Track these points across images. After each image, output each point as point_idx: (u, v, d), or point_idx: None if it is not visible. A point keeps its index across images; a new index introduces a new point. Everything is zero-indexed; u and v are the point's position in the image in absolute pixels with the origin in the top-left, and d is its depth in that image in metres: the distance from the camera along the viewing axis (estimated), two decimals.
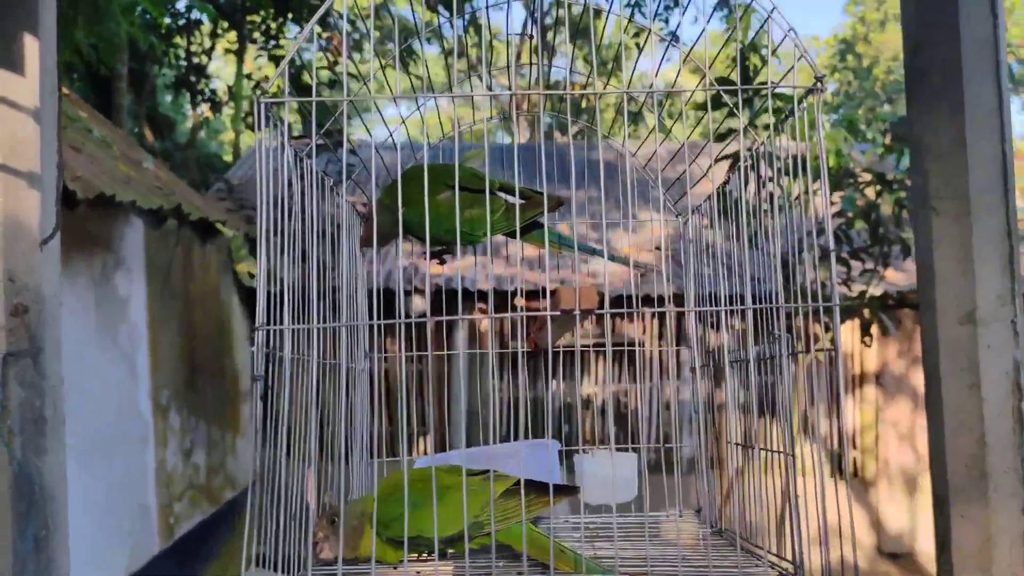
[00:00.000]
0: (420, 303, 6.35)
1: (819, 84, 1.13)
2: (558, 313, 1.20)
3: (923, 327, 1.55)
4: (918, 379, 7.74)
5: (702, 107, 3.84)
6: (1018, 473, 1.43)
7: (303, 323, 1.24)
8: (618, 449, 1.55)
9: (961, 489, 1.47)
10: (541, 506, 1.28)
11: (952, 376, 1.48)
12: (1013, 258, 1.44)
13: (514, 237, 1.42)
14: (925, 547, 7.53)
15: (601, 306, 1.19)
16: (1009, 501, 1.43)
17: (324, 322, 1.28)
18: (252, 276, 6.97)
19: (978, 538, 1.45)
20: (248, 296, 7.18)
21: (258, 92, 1.16)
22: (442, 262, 1.54)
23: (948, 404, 1.49)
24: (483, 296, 6.39)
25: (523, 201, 1.40)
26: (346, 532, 1.25)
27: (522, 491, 1.23)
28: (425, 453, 1.63)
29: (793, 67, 1.14)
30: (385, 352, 1.69)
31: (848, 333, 6.67)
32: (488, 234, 1.36)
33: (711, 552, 1.24)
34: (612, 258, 1.49)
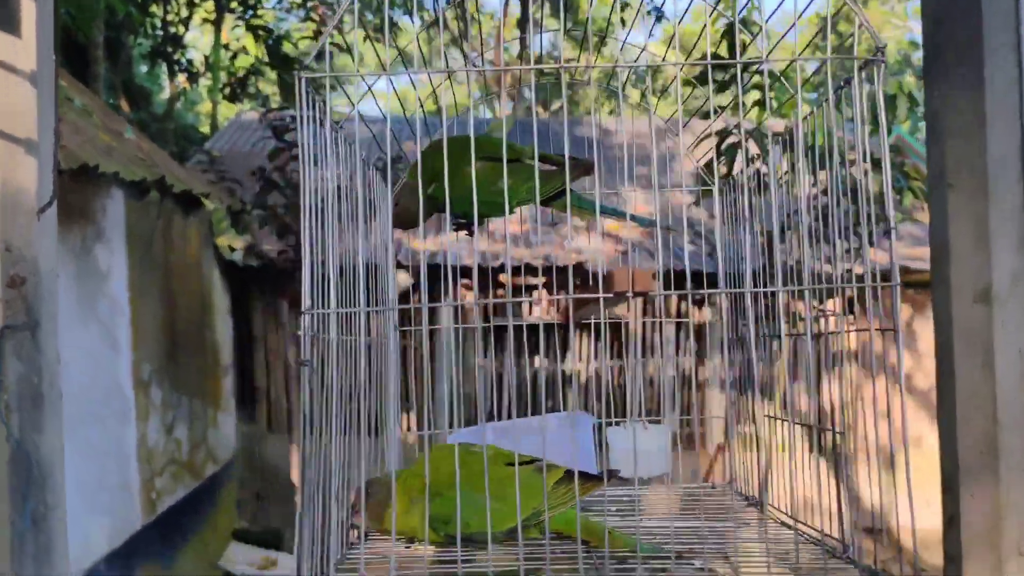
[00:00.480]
0: (404, 279, 6.30)
1: (880, 55, 1.09)
2: (611, 296, 1.18)
3: (935, 304, 1.54)
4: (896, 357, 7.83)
5: (691, 83, 3.79)
6: None
7: (347, 306, 1.22)
8: (649, 422, 1.54)
9: (972, 468, 1.46)
10: (590, 490, 1.30)
11: (965, 354, 1.47)
12: None
13: (544, 205, 1.40)
14: (903, 522, 7.64)
15: (657, 288, 1.17)
16: (1021, 479, 1.42)
17: (369, 304, 1.27)
18: (233, 249, 6.88)
19: (988, 516, 1.45)
20: (228, 269, 7.08)
21: (298, 69, 1.14)
22: (469, 233, 1.52)
23: (960, 383, 1.47)
24: (467, 272, 6.35)
25: (554, 168, 1.38)
26: (373, 504, 1.25)
27: (576, 482, 1.23)
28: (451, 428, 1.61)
29: (853, 35, 1.10)
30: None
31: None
32: (536, 201, 1.34)
33: (766, 528, 1.23)
34: (640, 220, 1.47)
